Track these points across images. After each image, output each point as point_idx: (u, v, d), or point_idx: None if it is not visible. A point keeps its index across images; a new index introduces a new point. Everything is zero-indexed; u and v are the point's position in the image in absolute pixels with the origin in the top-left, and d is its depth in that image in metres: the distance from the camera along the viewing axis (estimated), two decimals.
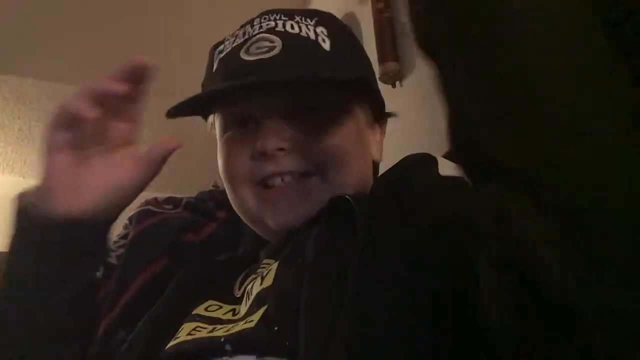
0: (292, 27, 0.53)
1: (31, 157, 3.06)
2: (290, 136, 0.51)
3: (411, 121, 0.94)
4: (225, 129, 0.55)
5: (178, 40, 2.07)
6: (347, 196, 0.46)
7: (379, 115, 0.60)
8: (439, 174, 0.49)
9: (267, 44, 0.52)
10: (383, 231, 0.42)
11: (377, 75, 1.20)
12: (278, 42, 0.52)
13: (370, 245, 0.40)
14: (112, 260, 0.69)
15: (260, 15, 0.56)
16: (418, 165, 0.50)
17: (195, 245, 0.71)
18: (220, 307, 0.49)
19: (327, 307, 0.37)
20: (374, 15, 1.25)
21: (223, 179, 0.56)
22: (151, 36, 2.08)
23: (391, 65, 1.18)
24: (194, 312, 0.48)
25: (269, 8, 0.57)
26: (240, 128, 0.54)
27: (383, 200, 0.46)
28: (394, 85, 1.19)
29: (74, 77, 2.25)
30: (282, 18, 0.54)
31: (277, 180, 0.51)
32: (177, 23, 2.03)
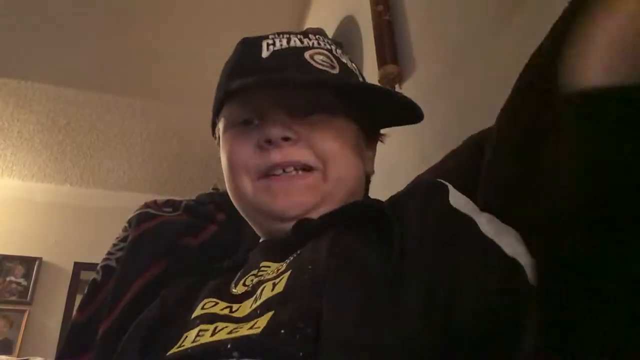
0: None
1: (31, 160, 3.05)
2: (296, 128, 0.53)
3: None
4: (230, 125, 0.57)
5: (177, 43, 2.07)
6: (375, 202, 0.45)
7: (372, 135, 0.62)
8: (446, 203, 0.45)
9: (329, 61, 0.57)
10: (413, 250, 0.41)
11: (377, 78, 1.20)
12: (336, 64, 0.57)
13: (402, 259, 0.40)
14: (112, 263, 0.69)
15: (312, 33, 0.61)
16: (425, 195, 0.48)
17: (194, 248, 0.71)
18: (217, 303, 0.48)
19: (350, 319, 0.36)
20: (373, 19, 1.25)
21: (225, 171, 0.57)
22: (150, 40, 2.08)
23: (390, 68, 1.18)
24: (193, 316, 0.48)
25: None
26: (244, 126, 0.56)
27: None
28: (393, 88, 1.19)
29: (74, 80, 2.26)
30: (331, 44, 0.61)
31: (279, 171, 0.53)
32: (177, 27, 2.04)
